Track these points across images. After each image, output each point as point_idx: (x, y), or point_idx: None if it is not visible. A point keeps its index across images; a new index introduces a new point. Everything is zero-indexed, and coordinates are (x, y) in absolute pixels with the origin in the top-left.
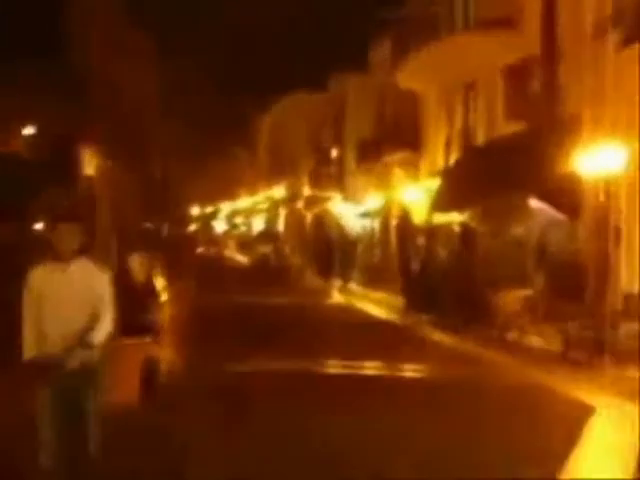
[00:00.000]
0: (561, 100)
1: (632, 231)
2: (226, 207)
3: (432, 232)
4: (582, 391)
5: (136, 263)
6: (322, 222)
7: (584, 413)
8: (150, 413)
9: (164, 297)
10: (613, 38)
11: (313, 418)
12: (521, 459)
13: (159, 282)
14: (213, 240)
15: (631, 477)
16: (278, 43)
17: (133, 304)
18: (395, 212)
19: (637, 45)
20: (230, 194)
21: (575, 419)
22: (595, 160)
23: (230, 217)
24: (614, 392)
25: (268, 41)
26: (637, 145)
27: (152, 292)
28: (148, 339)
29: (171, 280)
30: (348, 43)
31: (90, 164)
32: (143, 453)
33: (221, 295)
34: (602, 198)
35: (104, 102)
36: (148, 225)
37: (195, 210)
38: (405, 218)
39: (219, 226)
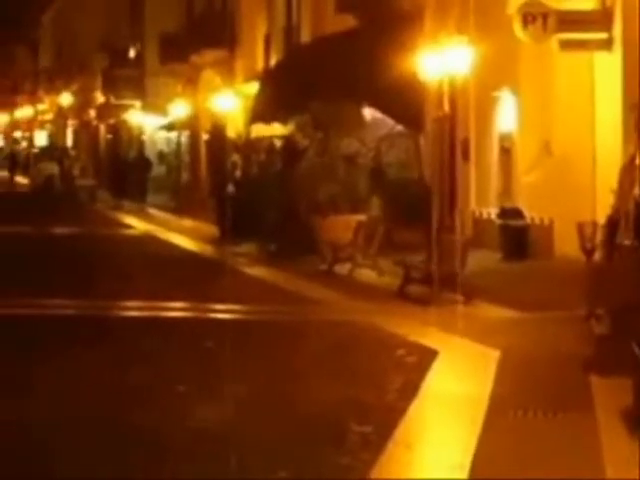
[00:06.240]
0: None
1: (482, 144)
2: (2, 118)
3: (250, 148)
4: (423, 333)
5: None
6: (118, 136)
7: (425, 357)
8: None
9: None
10: None
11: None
12: (351, 412)
13: None
14: None
15: (478, 432)
16: None
17: None
18: (206, 124)
19: None
20: (6, 103)
21: (414, 365)
22: (438, 62)
23: (8, 131)
24: (459, 333)
25: None
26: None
27: None
28: None
29: None
30: None
31: None
32: None
33: None
34: (447, 106)
35: None
36: None
37: None
38: (218, 131)
39: None
